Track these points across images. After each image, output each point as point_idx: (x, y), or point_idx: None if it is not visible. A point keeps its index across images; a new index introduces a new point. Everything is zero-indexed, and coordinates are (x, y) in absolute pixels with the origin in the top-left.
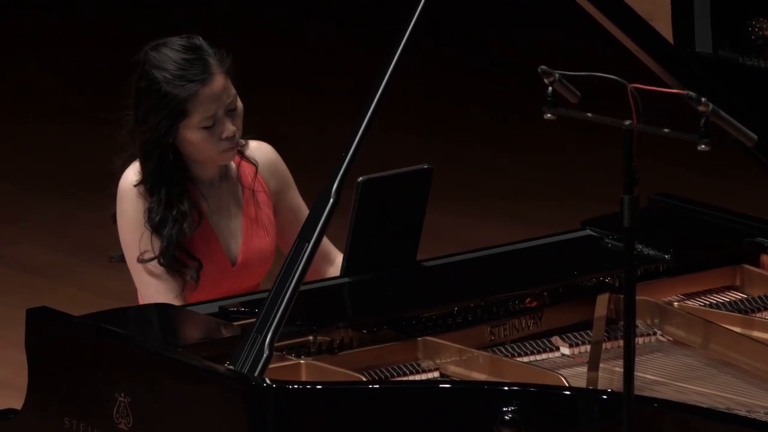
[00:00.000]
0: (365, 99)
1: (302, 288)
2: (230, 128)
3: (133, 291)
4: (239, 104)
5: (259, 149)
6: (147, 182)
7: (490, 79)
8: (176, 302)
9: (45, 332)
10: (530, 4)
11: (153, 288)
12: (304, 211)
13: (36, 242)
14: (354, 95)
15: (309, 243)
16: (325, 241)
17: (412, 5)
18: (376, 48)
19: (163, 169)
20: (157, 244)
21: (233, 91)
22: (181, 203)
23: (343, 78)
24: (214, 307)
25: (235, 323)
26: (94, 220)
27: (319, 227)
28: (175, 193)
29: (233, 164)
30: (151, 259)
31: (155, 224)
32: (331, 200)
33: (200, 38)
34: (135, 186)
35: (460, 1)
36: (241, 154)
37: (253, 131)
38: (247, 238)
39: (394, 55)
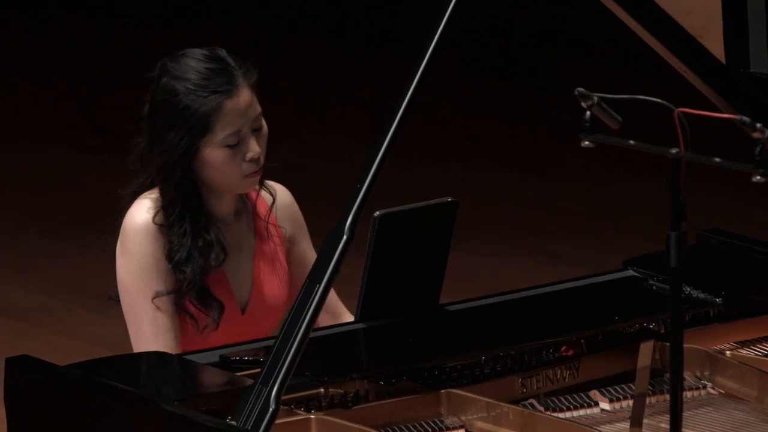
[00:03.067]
0: (383, 124)
1: (312, 335)
2: (255, 148)
3: (121, 337)
4: (264, 126)
5: (276, 191)
6: (169, 212)
7: (521, 100)
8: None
9: (27, 384)
10: (564, 19)
11: (151, 335)
12: None
13: (12, 282)
14: (364, 110)
15: (320, 284)
16: (332, 295)
17: (434, 23)
18: (381, 60)
19: (186, 195)
20: (171, 284)
21: (259, 109)
22: (207, 232)
23: (352, 90)
24: (214, 356)
25: (238, 374)
26: (77, 258)
27: (331, 267)
28: (201, 222)
29: (248, 200)
30: (170, 293)
31: (180, 260)
32: (345, 237)
33: (224, 50)
34: (153, 219)
35: (487, 13)
36: (260, 185)
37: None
38: (258, 284)
39: (416, 75)
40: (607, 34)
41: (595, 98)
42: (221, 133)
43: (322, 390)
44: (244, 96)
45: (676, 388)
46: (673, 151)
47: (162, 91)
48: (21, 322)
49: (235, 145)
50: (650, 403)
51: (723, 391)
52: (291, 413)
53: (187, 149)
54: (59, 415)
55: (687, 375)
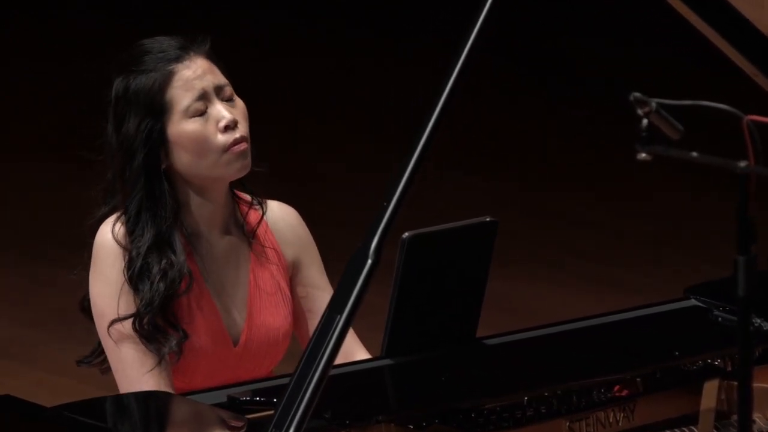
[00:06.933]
0: (414, 133)
1: (332, 372)
2: (227, 115)
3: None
4: (239, 100)
5: (279, 211)
6: (129, 213)
7: (571, 105)
8: (161, 384)
9: (9, 427)
10: (619, 15)
11: (128, 365)
12: (325, 297)
13: None
14: (364, 109)
15: (341, 315)
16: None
17: (472, 18)
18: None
19: (153, 194)
20: (134, 306)
21: (226, 80)
22: (173, 248)
23: (352, 90)
24: (221, 396)
25: (248, 416)
26: (67, 285)
27: (354, 296)
28: (165, 233)
29: (241, 218)
30: (126, 318)
31: (135, 274)
32: (369, 261)
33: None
34: (115, 236)
35: (531, 8)
36: (251, 199)
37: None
38: (253, 312)
39: (452, 75)
40: (668, 33)
41: (653, 104)
42: (181, 101)
43: None
44: (200, 63)
45: None
46: (742, 164)
47: (114, 89)
48: (5, 357)
49: (203, 114)
50: None
51: None
52: None
53: (149, 133)
54: None
55: (757, 417)
